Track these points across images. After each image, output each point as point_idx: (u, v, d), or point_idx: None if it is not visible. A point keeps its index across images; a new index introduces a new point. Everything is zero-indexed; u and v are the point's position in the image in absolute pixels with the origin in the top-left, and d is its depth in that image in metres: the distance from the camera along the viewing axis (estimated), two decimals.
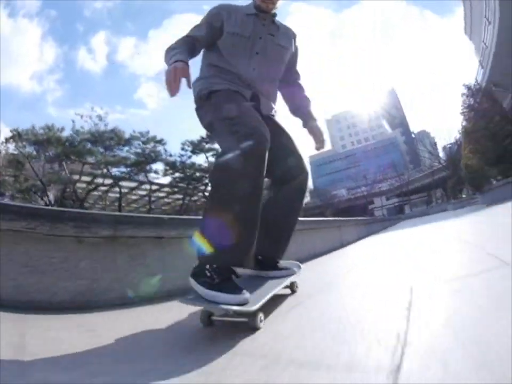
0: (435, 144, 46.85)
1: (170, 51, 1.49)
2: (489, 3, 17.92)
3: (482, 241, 2.61)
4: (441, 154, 42.54)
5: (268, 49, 1.68)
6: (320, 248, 4.66)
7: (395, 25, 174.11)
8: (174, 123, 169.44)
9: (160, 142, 27.04)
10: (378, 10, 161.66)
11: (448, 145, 34.45)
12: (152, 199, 31.25)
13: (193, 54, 1.56)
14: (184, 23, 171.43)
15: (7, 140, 22.32)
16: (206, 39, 1.63)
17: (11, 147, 22.32)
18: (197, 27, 1.67)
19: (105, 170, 24.72)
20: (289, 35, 1.82)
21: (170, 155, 27.72)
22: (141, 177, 27.50)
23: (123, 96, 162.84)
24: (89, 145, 23.78)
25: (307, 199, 49.00)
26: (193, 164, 28.50)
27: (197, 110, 1.66)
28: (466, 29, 36.73)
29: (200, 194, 31.21)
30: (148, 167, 27.00)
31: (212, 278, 1.26)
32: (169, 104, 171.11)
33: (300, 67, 1.99)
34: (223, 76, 1.61)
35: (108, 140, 24.33)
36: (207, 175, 27.04)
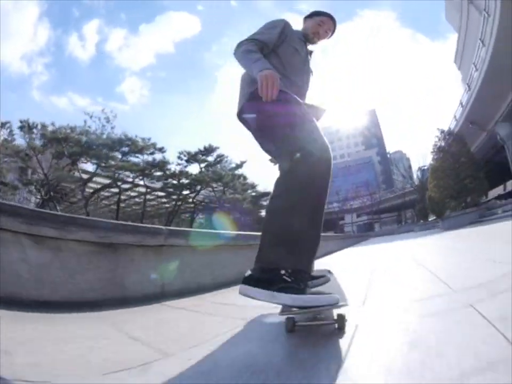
0: (409, 167, 48.91)
1: (250, 54, 1.57)
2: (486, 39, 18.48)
3: (430, 262, 3.22)
4: (415, 174, 43.04)
5: (310, 72, 1.95)
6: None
7: (385, 45, 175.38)
8: (152, 121, 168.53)
9: (161, 150, 28.39)
10: (369, 29, 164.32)
11: (423, 167, 34.78)
12: (136, 199, 32.62)
13: None
14: (176, 22, 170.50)
15: (2, 125, 22.45)
16: (272, 46, 1.71)
17: (18, 138, 22.62)
18: (265, 32, 1.74)
19: (115, 174, 26.07)
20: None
21: (169, 163, 29.12)
22: (137, 180, 28.45)
23: (106, 88, 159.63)
24: (105, 150, 24.85)
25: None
26: (187, 173, 30.02)
27: (254, 100, 1.55)
28: (457, 58, 36.76)
29: (190, 200, 32.82)
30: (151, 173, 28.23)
31: (297, 283, 1.22)
32: (148, 101, 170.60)
33: None
34: (284, 80, 1.62)
35: (125, 146, 25.78)
36: (197, 184, 29.39)
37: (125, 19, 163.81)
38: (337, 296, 1.17)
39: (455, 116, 27.88)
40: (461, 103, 25.91)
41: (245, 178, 34.50)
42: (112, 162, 25.28)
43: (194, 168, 30.46)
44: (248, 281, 1.23)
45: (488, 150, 26.36)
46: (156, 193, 32.06)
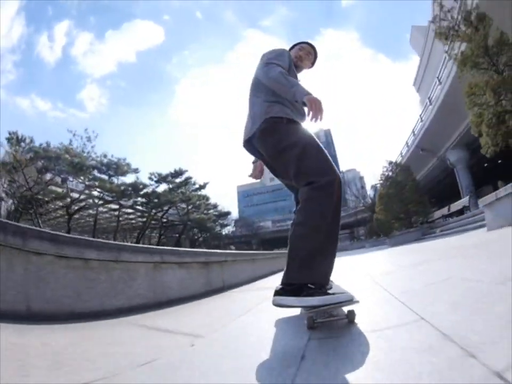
0: (362, 187, 51.28)
1: (287, 77, 1.68)
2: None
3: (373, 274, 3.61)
4: (369, 192, 45.95)
5: None
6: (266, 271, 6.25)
7: (344, 64, 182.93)
8: (109, 132, 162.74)
9: (135, 171, 30.00)
10: (330, 48, 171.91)
11: (377, 185, 36.23)
12: (105, 215, 33.95)
13: None
14: (141, 30, 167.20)
15: None
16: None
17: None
18: (280, 59, 1.85)
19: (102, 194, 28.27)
20: None
21: (146, 186, 31.38)
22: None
23: (67, 93, 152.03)
24: (95, 171, 27.17)
25: (233, 228, 50.55)
26: (159, 194, 32.05)
27: (270, 128, 1.69)
28: (416, 81, 37.77)
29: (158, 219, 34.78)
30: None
31: (319, 289, 1.42)
32: (106, 111, 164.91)
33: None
34: (292, 108, 1.78)
35: (112, 169, 28.05)
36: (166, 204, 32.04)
37: (94, 23, 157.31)
38: (351, 294, 1.44)
39: (407, 143, 29.85)
40: (413, 132, 27.52)
41: (207, 199, 37.57)
42: (96, 183, 27.21)
43: (162, 188, 32.84)
44: (279, 293, 1.46)
45: (440, 173, 28.18)
46: (127, 210, 33.65)
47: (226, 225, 45.97)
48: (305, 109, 1.66)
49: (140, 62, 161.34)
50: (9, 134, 22.65)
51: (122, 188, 28.58)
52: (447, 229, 14.43)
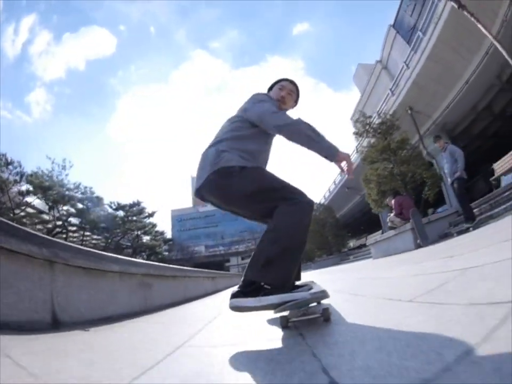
0: None
1: (316, 131, 1.66)
2: None
3: None
4: None
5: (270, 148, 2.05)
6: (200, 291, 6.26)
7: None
8: (48, 141, 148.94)
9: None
10: (274, 74, 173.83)
11: None
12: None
13: None
14: (95, 38, 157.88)
15: None
16: None
17: None
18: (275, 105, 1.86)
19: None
20: None
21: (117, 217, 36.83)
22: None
23: (17, 94, 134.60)
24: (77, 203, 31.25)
25: (167, 252, 51.68)
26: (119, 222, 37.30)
27: (230, 177, 1.64)
28: (354, 116, 36.17)
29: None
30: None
31: (276, 288, 1.46)
32: (49, 119, 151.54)
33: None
34: (255, 154, 1.82)
35: (89, 202, 32.55)
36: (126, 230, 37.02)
37: (56, 22, 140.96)
38: (313, 291, 1.50)
39: (334, 181, 33.21)
40: (340, 173, 30.47)
41: (155, 226, 42.25)
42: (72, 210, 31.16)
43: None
44: (236, 295, 1.50)
45: (364, 206, 31.50)
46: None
47: (170, 250, 48.04)
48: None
49: (88, 71, 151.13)
50: None
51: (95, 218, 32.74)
52: (357, 256, 19.39)
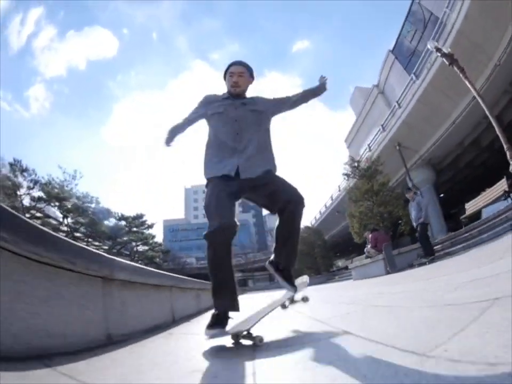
0: None
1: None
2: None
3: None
4: None
5: (245, 111, 2.10)
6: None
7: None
8: (44, 139, 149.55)
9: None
10: (271, 90, 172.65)
11: None
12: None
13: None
14: (98, 39, 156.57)
15: None
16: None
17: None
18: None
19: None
20: (260, 99, 2.23)
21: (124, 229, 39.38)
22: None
23: (18, 87, 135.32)
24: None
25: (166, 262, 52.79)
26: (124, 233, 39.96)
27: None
28: (348, 138, 37.84)
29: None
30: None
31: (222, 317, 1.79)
32: (46, 116, 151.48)
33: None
34: (212, 157, 2.03)
35: (101, 214, 35.81)
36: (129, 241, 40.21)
37: (62, 18, 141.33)
38: (246, 318, 1.91)
39: (325, 204, 34.94)
40: (331, 197, 32.35)
41: (154, 237, 44.20)
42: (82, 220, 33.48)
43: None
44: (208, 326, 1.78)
45: None
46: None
47: (165, 260, 48.96)
48: None
49: (88, 72, 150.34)
50: (14, 160, 25.19)
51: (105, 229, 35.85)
52: (342, 276, 21.13)
